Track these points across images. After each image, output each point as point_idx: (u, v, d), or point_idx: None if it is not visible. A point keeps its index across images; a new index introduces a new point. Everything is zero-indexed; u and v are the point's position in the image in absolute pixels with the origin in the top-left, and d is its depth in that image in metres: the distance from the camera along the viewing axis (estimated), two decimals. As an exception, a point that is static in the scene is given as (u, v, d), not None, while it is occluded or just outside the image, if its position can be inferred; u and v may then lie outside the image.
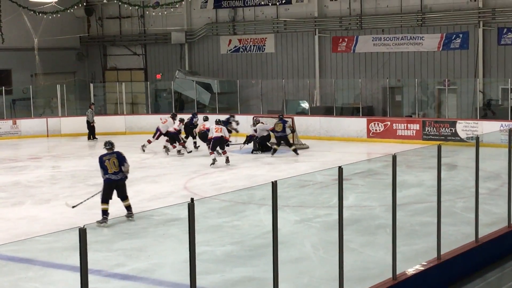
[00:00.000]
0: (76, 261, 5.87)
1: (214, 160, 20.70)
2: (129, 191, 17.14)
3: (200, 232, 6.58)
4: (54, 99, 31.83)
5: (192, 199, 6.47)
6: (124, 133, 30.42)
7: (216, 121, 22.17)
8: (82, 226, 5.69)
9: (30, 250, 11.61)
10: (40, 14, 28.73)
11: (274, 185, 7.24)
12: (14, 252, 11.35)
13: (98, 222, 13.06)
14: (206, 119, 24.32)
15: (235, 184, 17.80)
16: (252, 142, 23.81)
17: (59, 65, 35.53)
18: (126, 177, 13.73)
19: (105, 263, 10.58)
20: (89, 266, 5.81)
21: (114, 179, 13.46)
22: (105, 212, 13.36)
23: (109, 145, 13.91)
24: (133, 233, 12.74)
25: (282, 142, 22.88)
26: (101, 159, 13.63)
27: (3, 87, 30.80)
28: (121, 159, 13.61)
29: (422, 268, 9.21)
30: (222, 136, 21.10)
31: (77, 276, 5.76)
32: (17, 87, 33.33)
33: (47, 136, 30.02)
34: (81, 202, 14.50)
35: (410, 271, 9.05)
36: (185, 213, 6.53)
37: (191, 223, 6.44)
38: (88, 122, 28.53)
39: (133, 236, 12.60)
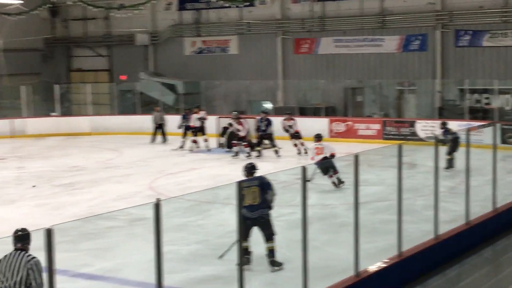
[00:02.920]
0: (42, 261, 5.99)
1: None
2: (94, 192, 17.33)
3: (165, 231, 6.72)
4: (19, 100, 31.63)
5: (158, 199, 6.64)
6: (89, 133, 30.38)
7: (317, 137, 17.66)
8: (49, 227, 5.79)
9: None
10: (4, 15, 28.53)
11: (239, 185, 7.41)
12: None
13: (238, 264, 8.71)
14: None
15: (200, 184, 17.87)
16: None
17: (24, 66, 35.29)
18: (267, 214, 10.39)
19: (72, 263, 10.59)
20: (56, 266, 5.93)
21: (249, 217, 10.11)
22: (245, 251, 9.87)
23: (252, 168, 10.81)
24: (99, 233, 12.75)
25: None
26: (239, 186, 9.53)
27: (-34, 89, 30.57)
28: (264, 187, 10.39)
29: (384, 265, 9.37)
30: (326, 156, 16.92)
31: (43, 276, 5.87)
32: (-20, 88, 33.14)
33: (11, 136, 29.82)
34: (227, 251, 10.55)
35: (372, 268, 9.20)
36: (150, 212, 6.67)
37: (157, 223, 6.60)
38: (156, 124, 27.09)
39: (99, 236, 12.61)
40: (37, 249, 10.75)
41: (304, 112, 29.06)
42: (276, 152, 22.61)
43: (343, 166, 16.54)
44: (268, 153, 22.95)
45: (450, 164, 18.52)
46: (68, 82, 37.11)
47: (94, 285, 10.36)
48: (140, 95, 31.96)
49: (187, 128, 24.72)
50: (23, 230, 7.16)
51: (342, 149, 23.56)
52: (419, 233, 11.06)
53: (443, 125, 20.09)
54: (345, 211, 13.26)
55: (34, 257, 6.85)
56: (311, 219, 8.49)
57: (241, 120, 23.34)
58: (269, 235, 10.25)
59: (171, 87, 32.01)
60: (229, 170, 20.35)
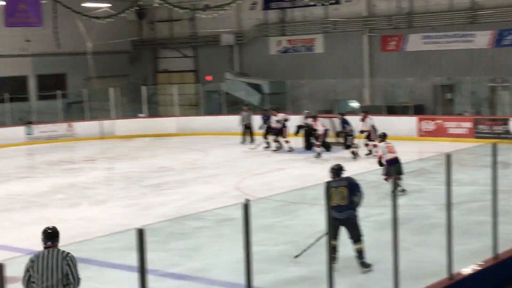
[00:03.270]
0: (132, 260, 5.97)
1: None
2: (182, 192, 17.52)
3: (253, 232, 6.65)
4: (108, 101, 32.44)
5: (247, 200, 6.57)
6: (176, 134, 30.80)
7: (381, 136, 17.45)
8: (139, 227, 5.78)
9: (88, 250, 11.86)
10: (94, 19, 29.29)
11: (327, 185, 7.28)
12: (72, 252, 11.61)
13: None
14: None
15: (287, 184, 17.83)
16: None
17: (112, 69, 36.21)
18: (355, 215, 10.26)
19: (160, 263, 10.70)
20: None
21: (338, 217, 9.87)
22: (333, 250, 9.65)
23: (339, 170, 10.63)
24: (187, 234, 12.88)
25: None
26: (328, 186, 9.10)
27: (59, 91, 31.49)
28: (353, 188, 10.26)
29: (479, 268, 9.07)
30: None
31: (133, 275, 5.84)
32: (72, 90, 34.13)
33: (102, 138, 30.61)
34: (305, 250, 10.85)
35: (467, 270, 8.92)
36: (237, 213, 6.61)
37: (246, 224, 6.54)
38: (243, 124, 26.98)
39: (187, 236, 12.74)
40: (127, 248, 10.95)
41: (391, 110, 28.55)
42: (353, 153, 22.08)
43: (433, 166, 16.15)
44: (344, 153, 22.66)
45: None
46: (155, 83, 37.84)
47: (182, 285, 10.43)
48: (226, 95, 32.17)
49: (268, 129, 24.67)
50: (53, 228, 7.02)
51: (431, 148, 23.18)
52: (516, 235, 10.66)
53: None
54: (436, 212, 12.94)
55: (68, 253, 6.73)
56: (401, 220, 8.27)
57: (318, 119, 23.13)
58: (357, 237, 10.15)
59: (257, 87, 32.10)
60: (316, 170, 20.21)
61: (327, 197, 7.82)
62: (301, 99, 31.48)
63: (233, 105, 31.67)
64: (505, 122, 24.45)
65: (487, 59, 27.85)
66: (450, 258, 8.62)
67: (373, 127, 22.13)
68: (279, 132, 24.29)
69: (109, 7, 30.70)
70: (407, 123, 26.53)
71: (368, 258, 10.11)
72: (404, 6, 29.82)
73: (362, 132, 22.46)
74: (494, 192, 9.47)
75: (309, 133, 23.89)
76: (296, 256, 10.59)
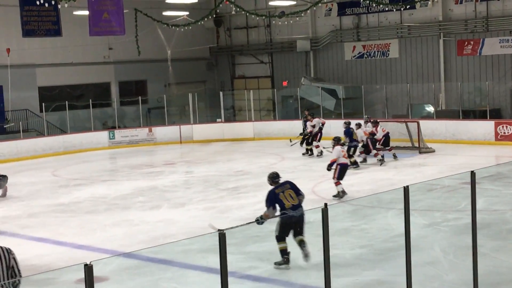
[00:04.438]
0: (211, 262, 6.23)
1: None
2: (258, 196, 17.77)
3: (329, 235, 6.86)
4: (187, 107, 33.11)
5: (325, 204, 6.77)
6: (252, 138, 31.20)
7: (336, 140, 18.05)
8: (222, 230, 6.02)
9: (168, 251, 12.21)
10: (173, 27, 29.98)
11: (406, 190, 7.35)
12: (153, 253, 12.00)
13: (276, 263, 11.03)
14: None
15: (362, 188, 17.87)
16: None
17: (191, 75, 37.00)
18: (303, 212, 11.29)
19: (238, 265, 10.89)
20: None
21: (295, 215, 10.92)
22: (285, 252, 11.02)
23: (277, 177, 11.56)
24: (264, 237, 13.03)
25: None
26: (273, 194, 11.24)
27: (140, 97, 32.28)
28: (296, 189, 11.31)
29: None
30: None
31: (212, 277, 6.05)
32: (152, 96, 34.97)
33: (180, 142, 31.29)
34: (230, 228, 11.75)
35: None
36: (314, 216, 6.81)
37: (325, 227, 6.71)
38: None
39: (264, 239, 12.88)
40: (206, 250, 11.32)
41: (467, 114, 28.23)
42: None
43: (510, 171, 15.98)
44: (429, 156, 22.50)
45: None
46: (232, 89, 38.39)
47: (261, 287, 10.59)
48: (301, 100, 32.40)
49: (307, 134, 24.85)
50: None
51: (509, 153, 22.84)
52: None
53: None
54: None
55: (9, 248, 6.80)
56: (478, 225, 8.31)
57: (378, 123, 22.97)
58: (302, 230, 10.92)
59: (332, 92, 32.20)
60: (391, 174, 20.23)
61: (406, 201, 7.64)
62: (376, 104, 31.45)
63: (308, 110, 31.86)
64: None
65: None
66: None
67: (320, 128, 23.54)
68: (314, 136, 24.41)
69: (188, 15, 31.39)
70: (484, 128, 26.19)
71: (445, 263, 10.14)
72: (481, 10, 29.45)
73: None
74: None
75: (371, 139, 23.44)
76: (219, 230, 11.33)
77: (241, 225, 13.43)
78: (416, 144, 24.48)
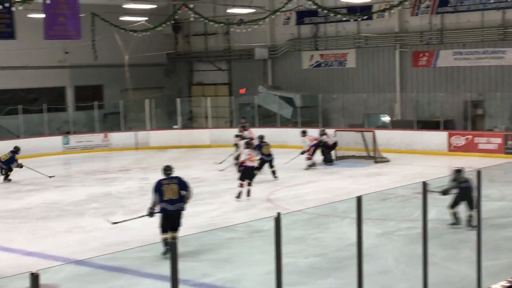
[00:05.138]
0: (164, 270, 6.17)
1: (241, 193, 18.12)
2: (214, 203, 17.76)
3: (283, 244, 6.80)
4: (143, 113, 32.92)
5: (278, 213, 6.75)
6: (209, 146, 31.13)
7: (247, 143, 19.49)
8: (116, 223, 5.98)
9: (122, 259, 12.11)
10: (131, 32, 29.80)
11: (359, 200, 7.39)
12: (106, 260, 11.86)
13: (163, 253, 11.96)
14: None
15: (317, 197, 17.96)
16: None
17: (148, 81, 36.78)
18: (183, 208, 12.54)
19: (192, 273, 10.86)
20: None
21: (170, 209, 12.23)
22: (166, 243, 12.09)
23: (169, 170, 12.89)
24: (219, 244, 13.07)
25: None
26: (159, 184, 12.45)
27: (96, 102, 31.98)
28: (182, 185, 12.49)
29: (509, 284, 9.06)
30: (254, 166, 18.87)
31: (165, 285, 5.95)
32: (109, 101, 34.64)
33: (136, 148, 31.05)
34: (123, 221, 13.98)
35: (496, 286, 8.93)
36: (269, 225, 6.78)
37: (277, 236, 6.72)
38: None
39: (219, 247, 12.90)
40: (160, 258, 11.23)
41: (422, 125, 28.61)
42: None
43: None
44: (384, 166, 22.70)
45: None
46: (189, 96, 38.27)
47: (214, 295, 10.60)
48: (259, 108, 32.45)
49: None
50: None
51: (461, 164, 23.10)
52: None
53: None
54: (465, 227, 13.01)
55: None
56: (430, 235, 8.40)
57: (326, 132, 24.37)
58: (177, 226, 12.29)
59: (289, 101, 32.34)
60: (347, 183, 20.36)
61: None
62: (332, 113, 31.67)
63: (265, 118, 31.93)
64: (536, 138, 24.38)
65: (518, 75, 27.86)
66: (479, 273, 8.70)
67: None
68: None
69: (146, 21, 31.21)
70: (437, 138, 26.59)
71: (398, 272, 10.22)
72: (436, 23, 29.88)
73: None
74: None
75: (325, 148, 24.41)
76: (114, 223, 13.62)
77: (132, 218, 13.77)
78: (372, 154, 24.74)
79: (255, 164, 18.97)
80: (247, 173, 18.20)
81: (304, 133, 23.62)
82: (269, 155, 21.21)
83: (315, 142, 23.65)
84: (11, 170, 22.54)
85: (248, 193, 18.09)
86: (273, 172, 21.30)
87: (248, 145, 19.07)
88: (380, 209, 15.40)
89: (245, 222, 14.08)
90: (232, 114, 34.32)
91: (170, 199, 12.23)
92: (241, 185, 17.99)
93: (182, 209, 12.42)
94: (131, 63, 34.92)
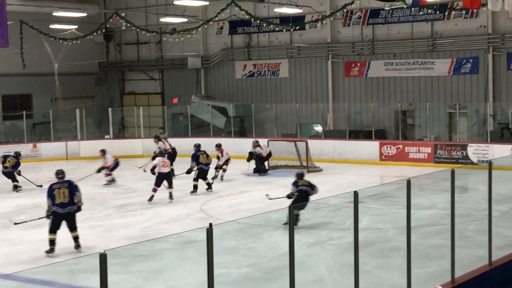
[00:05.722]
0: (95, 283, 6.08)
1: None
2: (146, 214, 17.57)
3: (216, 254, 6.78)
4: (74, 122, 32.36)
5: (210, 224, 6.71)
6: (141, 156, 30.78)
7: (161, 153, 20.72)
8: (102, 252, 5.88)
9: (51, 272, 11.83)
10: (61, 41, 29.31)
11: (291, 209, 7.42)
12: (34, 274, 11.59)
13: (46, 251, 13.25)
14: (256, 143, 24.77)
15: (251, 207, 17.99)
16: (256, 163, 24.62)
17: (79, 90, 36.18)
18: (78, 209, 13.50)
19: (124, 286, 10.78)
20: (108, 288, 6.03)
21: (61, 212, 13.21)
22: (52, 242, 13.28)
23: (61, 173, 13.75)
24: (151, 256, 12.92)
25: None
26: (51, 188, 13.33)
27: (24, 111, 31.31)
28: (72, 189, 13.37)
29: (437, 291, 9.29)
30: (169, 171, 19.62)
31: None
32: (38, 111, 33.91)
33: (67, 159, 30.49)
34: (25, 221, 15.56)
35: (425, 294, 9.18)
36: (201, 235, 6.75)
37: (209, 248, 6.66)
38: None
39: (151, 258, 12.78)
40: (90, 271, 10.99)
41: (354, 135, 29.01)
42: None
43: (394, 190, 16.43)
44: (317, 175, 22.89)
45: None
46: (121, 105, 37.85)
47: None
48: (192, 118, 32.30)
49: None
50: None
51: (392, 173, 23.58)
52: (472, 259, 10.94)
53: None
54: (396, 235, 13.20)
55: None
56: (362, 243, 8.47)
57: (260, 145, 24.70)
58: (74, 227, 13.32)
59: (222, 110, 32.32)
60: (280, 192, 20.35)
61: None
62: (266, 123, 31.81)
63: (198, 128, 31.81)
64: (463, 147, 24.99)
65: (446, 86, 28.51)
66: (409, 281, 8.83)
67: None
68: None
69: (76, 29, 30.74)
70: (369, 148, 26.98)
71: (330, 281, 10.29)
72: (367, 34, 30.38)
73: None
74: (452, 216, 9.74)
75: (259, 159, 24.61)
76: (16, 223, 15.08)
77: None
78: (305, 163, 24.92)
79: (168, 170, 19.50)
80: (159, 179, 19.02)
81: (218, 147, 23.14)
82: (207, 164, 21.04)
83: (227, 156, 23.08)
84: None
85: (170, 195, 19.20)
86: (208, 184, 21.09)
87: (162, 153, 20.45)
88: (313, 218, 15.48)
89: (177, 233, 13.94)
90: (165, 124, 34.06)
91: (61, 203, 13.12)
92: (154, 190, 18.96)
93: (74, 211, 13.32)
94: (61, 72, 34.32)
